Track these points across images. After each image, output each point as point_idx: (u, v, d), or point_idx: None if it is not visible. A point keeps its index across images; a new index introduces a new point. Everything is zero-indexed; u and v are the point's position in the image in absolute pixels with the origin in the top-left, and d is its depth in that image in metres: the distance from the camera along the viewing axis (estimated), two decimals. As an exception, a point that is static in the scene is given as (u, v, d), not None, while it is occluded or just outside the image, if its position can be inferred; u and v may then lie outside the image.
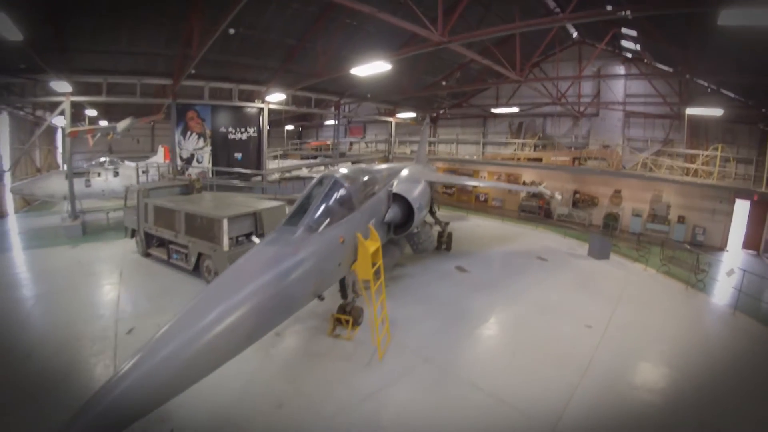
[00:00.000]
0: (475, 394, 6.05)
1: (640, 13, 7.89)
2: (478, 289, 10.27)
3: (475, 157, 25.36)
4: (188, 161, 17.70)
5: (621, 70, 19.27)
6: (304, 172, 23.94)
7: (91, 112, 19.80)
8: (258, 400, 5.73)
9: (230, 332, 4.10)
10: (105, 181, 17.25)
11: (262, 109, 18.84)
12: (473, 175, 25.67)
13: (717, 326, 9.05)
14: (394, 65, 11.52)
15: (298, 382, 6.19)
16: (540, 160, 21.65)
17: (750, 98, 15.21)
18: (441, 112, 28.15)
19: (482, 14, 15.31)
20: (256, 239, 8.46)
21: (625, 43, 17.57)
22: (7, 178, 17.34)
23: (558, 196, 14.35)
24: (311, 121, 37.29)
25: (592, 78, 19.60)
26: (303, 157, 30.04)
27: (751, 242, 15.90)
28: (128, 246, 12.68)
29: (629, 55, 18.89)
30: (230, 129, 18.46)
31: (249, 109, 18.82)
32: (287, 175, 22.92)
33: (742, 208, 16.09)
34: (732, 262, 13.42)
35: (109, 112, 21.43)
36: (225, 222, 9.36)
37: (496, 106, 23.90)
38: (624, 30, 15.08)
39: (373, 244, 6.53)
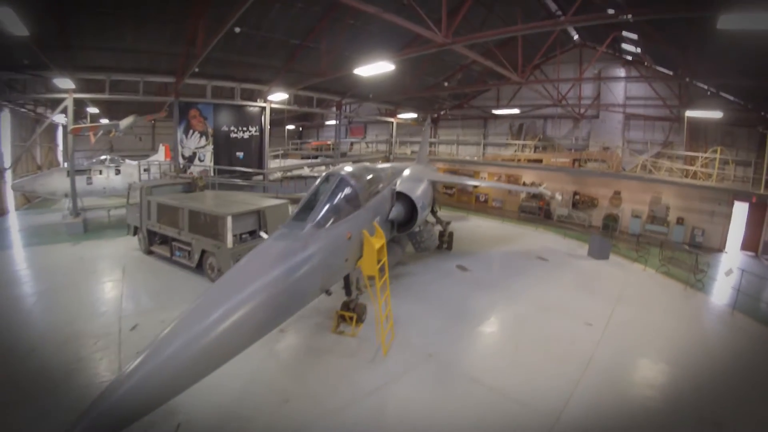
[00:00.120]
0: (478, 390, 6.12)
1: (641, 16, 7.98)
2: (480, 288, 10.36)
3: (475, 158, 25.46)
4: (190, 159, 17.73)
5: (621, 72, 19.43)
6: (306, 171, 24.01)
7: (93, 110, 19.82)
8: (264, 396, 5.77)
9: (239, 327, 4.13)
10: (106, 178, 17.28)
11: (264, 108, 18.91)
12: (474, 176, 25.77)
13: (716, 325, 9.15)
14: (397, 66, 11.60)
15: (303, 378, 6.24)
16: (540, 161, 21.76)
17: (749, 101, 15.37)
18: (442, 113, 28.28)
19: (485, 16, 15.42)
20: (264, 234, 8.52)
21: (625, 46, 17.71)
22: (8, 175, 17.34)
23: (558, 197, 14.46)
24: (312, 121, 37.35)
25: (592, 80, 19.77)
26: (303, 157, 30.11)
27: (750, 244, 16.02)
28: (130, 243, 12.70)
29: (629, 58, 19.02)
30: (232, 128, 18.52)
31: (251, 108, 18.89)
32: (289, 174, 22.99)
33: (740, 210, 16.21)
34: (731, 263, 13.54)
35: (111, 109, 21.43)
36: (229, 219, 9.40)
37: (497, 107, 24.03)
38: (625, 33, 15.21)
39: (378, 241, 6.61)
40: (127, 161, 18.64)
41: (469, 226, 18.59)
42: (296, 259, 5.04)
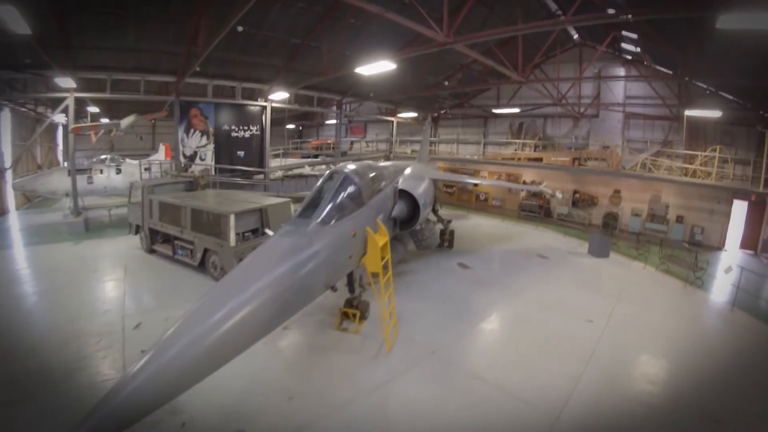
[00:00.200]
0: (480, 386, 6.17)
1: (641, 16, 8.03)
2: (481, 286, 10.41)
3: (475, 157, 25.50)
4: (191, 159, 17.75)
5: (621, 71, 19.47)
6: (307, 170, 24.04)
7: (93, 109, 19.82)
8: (268, 393, 5.79)
9: (244, 325, 4.15)
10: (107, 178, 17.29)
11: (265, 108, 18.92)
12: (474, 175, 25.81)
13: (715, 322, 9.22)
14: (398, 65, 11.62)
15: (307, 375, 6.27)
16: (540, 160, 21.82)
17: (748, 101, 15.43)
18: (442, 112, 28.32)
19: (486, 15, 15.47)
20: (269, 231, 8.56)
21: (625, 46, 17.77)
22: (9, 174, 17.33)
23: (558, 195, 14.51)
24: (312, 120, 37.37)
25: (592, 79, 19.83)
26: (304, 156, 30.12)
27: (749, 242, 16.09)
28: (132, 242, 12.72)
29: (629, 58, 19.09)
30: (233, 127, 18.53)
31: (252, 107, 18.91)
32: (290, 173, 23.01)
33: (740, 209, 16.26)
34: (730, 261, 13.60)
35: (112, 109, 21.43)
36: (232, 217, 9.43)
37: (497, 106, 24.09)
38: (624, 33, 15.27)
39: (382, 238, 6.65)
40: (128, 160, 18.65)
41: (470, 224, 18.64)
42: (302, 255, 5.08)
